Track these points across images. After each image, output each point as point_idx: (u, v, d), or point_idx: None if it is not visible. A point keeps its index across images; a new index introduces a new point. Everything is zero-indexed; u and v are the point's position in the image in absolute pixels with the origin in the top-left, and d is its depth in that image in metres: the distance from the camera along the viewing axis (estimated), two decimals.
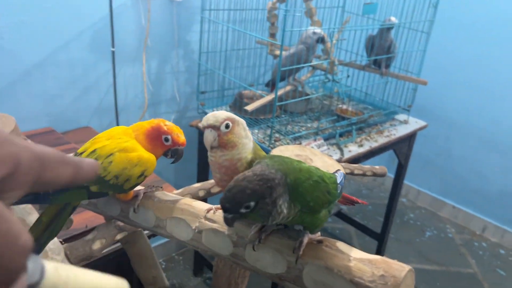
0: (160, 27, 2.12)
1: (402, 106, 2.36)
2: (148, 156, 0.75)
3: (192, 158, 2.44)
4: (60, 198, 0.72)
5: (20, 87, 1.81)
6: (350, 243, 2.88)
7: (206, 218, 0.69)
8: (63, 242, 0.99)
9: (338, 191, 0.70)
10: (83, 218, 1.42)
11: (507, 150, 2.86)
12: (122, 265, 1.69)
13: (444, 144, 3.16)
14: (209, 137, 0.70)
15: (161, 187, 0.86)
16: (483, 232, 3.09)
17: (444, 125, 3.09)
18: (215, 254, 0.68)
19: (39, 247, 0.74)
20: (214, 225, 0.68)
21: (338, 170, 0.75)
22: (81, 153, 0.76)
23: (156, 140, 0.78)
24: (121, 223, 1.05)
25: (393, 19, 2.07)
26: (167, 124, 0.80)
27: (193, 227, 0.69)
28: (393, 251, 2.85)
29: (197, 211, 0.71)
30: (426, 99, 2.97)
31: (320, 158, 1.23)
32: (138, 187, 0.82)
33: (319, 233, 0.66)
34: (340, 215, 2.94)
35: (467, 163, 3.08)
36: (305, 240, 0.63)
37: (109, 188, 0.74)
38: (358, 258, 0.57)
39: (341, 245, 0.60)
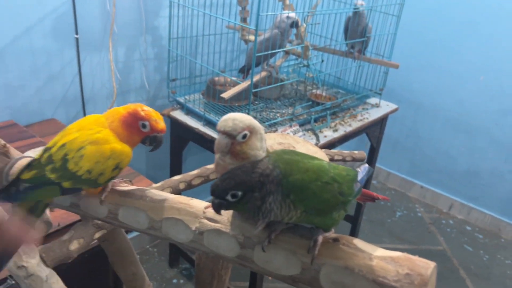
0: (127, 13, 2.02)
1: (374, 89, 2.37)
2: (122, 148, 0.70)
3: (165, 148, 2.38)
4: (32, 196, 0.69)
5: None
6: None
7: (206, 218, 0.65)
8: (37, 244, 0.93)
9: (356, 190, 0.67)
10: (55, 215, 1.35)
11: (472, 130, 2.95)
12: (98, 263, 1.64)
13: (413, 126, 3.23)
14: (222, 144, 0.65)
15: (131, 181, 0.81)
16: (450, 210, 3.20)
17: (413, 107, 3.16)
18: (219, 256, 0.64)
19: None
20: (217, 225, 0.64)
21: (364, 164, 0.73)
22: (50, 148, 0.71)
23: (133, 126, 0.72)
24: (99, 221, 1.00)
25: (360, 2, 2.06)
26: (145, 109, 0.73)
27: (193, 228, 0.64)
28: (366, 232, 2.90)
29: (196, 211, 0.66)
30: (396, 82, 3.01)
31: (303, 145, 1.21)
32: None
33: (333, 230, 0.64)
34: None
35: (435, 144, 3.16)
36: (320, 238, 0.60)
37: (83, 183, 0.70)
38: (379, 256, 0.55)
39: (359, 242, 0.58)
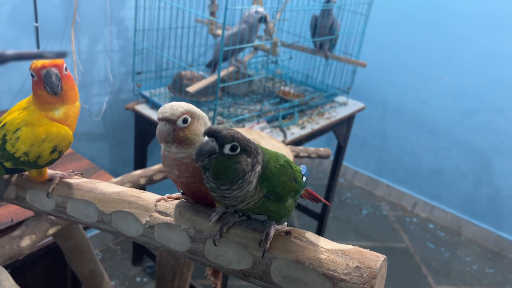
0: (90, 2, 1.95)
1: (341, 88, 2.39)
2: (58, 130, 0.67)
3: (129, 142, 2.32)
4: None
5: None
6: (291, 223, 2.92)
7: (157, 211, 0.62)
8: None
9: (304, 181, 0.68)
10: (8, 211, 1.28)
11: (435, 129, 3.02)
12: (54, 260, 1.57)
13: (380, 125, 3.28)
14: (163, 131, 0.62)
15: (82, 174, 0.78)
16: (414, 208, 3.28)
17: (380, 106, 3.21)
18: (169, 251, 0.61)
19: None
20: (168, 219, 0.61)
21: (301, 164, 0.73)
22: None
23: (33, 86, 0.68)
24: (52, 216, 0.95)
25: None
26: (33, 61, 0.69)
27: (143, 222, 0.61)
28: (332, 230, 2.93)
29: (146, 204, 0.63)
30: (363, 81, 3.05)
31: (268, 141, 1.19)
32: (55, 171, 0.73)
33: (285, 223, 0.63)
34: None
35: (400, 143, 3.22)
36: (272, 231, 0.59)
37: (23, 165, 0.67)
38: (331, 249, 0.54)
39: (311, 236, 0.57)
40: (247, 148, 0.57)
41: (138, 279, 2.33)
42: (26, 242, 0.89)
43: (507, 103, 2.71)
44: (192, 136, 0.63)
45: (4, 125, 0.66)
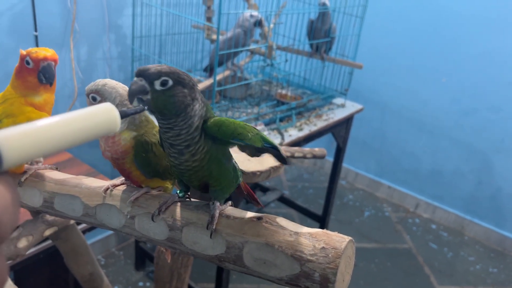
0: (89, 10, 1.99)
1: (339, 90, 2.41)
2: (38, 116, 0.70)
3: None
4: None
5: None
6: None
7: (137, 205, 0.64)
8: None
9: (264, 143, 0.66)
10: None
11: (434, 130, 3.03)
12: (57, 265, 1.59)
13: (379, 127, 3.29)
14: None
15: (57, 168, 0.79)
16: (416, 209, 3.27)
17: (379, 108, 3.22)
18: (150, 240, 0.63)
19: None
20: (148, 209, 0.63)
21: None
22: None
23: (22, 71, 0.70)
24: (49, 217, 0.97)
25: (326, 0, 2.09)
26: (28, 50, 0.73)
27: (125, 213, 0.64)
28: (334, 232, 2.93)
29: (127, 196, 0.65)
30: (361, 83, 3.06)
31: None
32: (30, 165, 0.75)
33: (229, 202, 0.65)
34: (282, 199, 2.98)
35: (401, 144, 3.23)
36: (217, 212, 0.61)
37: None
38: (299, 232, 0.56)
39: (281, 220, 0.59)
40: (179, 79, 0.57)
41: (141, 283, 2.35)
42: (23, 243, 0.91)
43: (505, 102, 2.71)
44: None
45: None
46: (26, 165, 0.72)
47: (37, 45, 1.86)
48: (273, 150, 0.61)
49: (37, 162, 0.75)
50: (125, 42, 2.18)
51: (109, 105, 0.32)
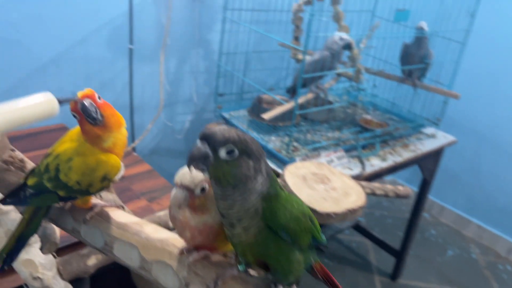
0: (181, 26, 2.05)
1: (430, 119, 2.22)
2: (107, 159, 0.68)
3: None
4: (35, 201, 0.71)
5: (35, 82, 1.77)
6: (366, 258, 2.76)
7: (194, 272, 0.59)
8: (56, 256, 0.93)
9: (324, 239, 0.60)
10: None
11: None
12: (123, 278, 1.63)
13: (473, 160, 3.00)
14: (179, 197, 0.59)
15: (123, 206, 0.79)
16: (509, 254, 2.92)
17: (474, 139, 2.93)
18: None
19: (23, 240, 0.74)
20: (204, 279, 0.58)
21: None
22: (48, 155, 0.71)
23: (80, 125, 0.68)
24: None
25: (424, 24, 1.94)
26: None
27: (180, 277, 0.60)
28: (412, 269, 2.71)
29: (185, 258, 0.61)
30: (456, 111, 2.81)
31: (339, 178, 1.13)
32: (98, 200, 0.75)
33: (295, 286, 0.56)
34: (357, 227, 2.83)
35: (496, 180, 2.91)
36: None
37: (76, 193, 0.70)
38: None
39: None
40: (247, 150, 0.50)
41: None
42: (92, 261, 0.93)
43: None
44: (209, 204, 0.60)
45: (57, 156, 0.69)
46: (93, 201, 0.73)
47: (131, 58, 1.95)
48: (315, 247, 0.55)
49: (102, 198, 0.76)
50: (212, 58, 2.21)
51: (48, 94, 0.35)
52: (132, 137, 2.09)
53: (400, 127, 2.16)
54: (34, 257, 0.94)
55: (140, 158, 1.85)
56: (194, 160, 0.50)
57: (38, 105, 0.36)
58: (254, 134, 1.92)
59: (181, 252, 0.62)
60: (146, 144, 2.19)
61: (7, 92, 1.71)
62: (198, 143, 0.51)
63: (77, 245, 1.18)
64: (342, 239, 2.91)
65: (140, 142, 2.10)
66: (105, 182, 0.69)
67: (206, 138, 0.50)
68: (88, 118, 0.65)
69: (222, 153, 0.49)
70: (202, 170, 0.50)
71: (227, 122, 2.07)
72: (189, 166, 0.50)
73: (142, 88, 2.06)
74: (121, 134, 0.70)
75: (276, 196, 0.54)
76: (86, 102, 0.65)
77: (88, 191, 0.69)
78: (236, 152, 0.49)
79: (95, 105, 0.66)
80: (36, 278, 0.93)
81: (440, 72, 2.13)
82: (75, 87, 1.87)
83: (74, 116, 0.66)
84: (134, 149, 2.08)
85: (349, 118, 2.16)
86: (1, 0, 1.57)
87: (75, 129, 0.71)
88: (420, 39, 1.94)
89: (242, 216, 0.51)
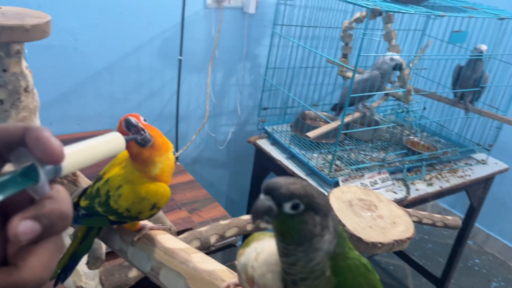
0: (230, 39, 2.07)
1: (482, 144, 2.12)
2: (156, 188, 0.67)
3: (247, 172, 2.37)
4: (88, 222, 0.72)
5: (88, 88, 1.83)
6: (404, 283, 2.66)
7: None
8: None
9: None
10: None
11: None
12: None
13: None
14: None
15: (170, 229, 0.79)
16: None
17: None
18: None
19: (77, 258, 0.74)
20: None
21: None
22: (100, 178, 0.71)
23: (130, 152, 0.66)
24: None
25: (483, 47, 1.86)
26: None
27: None
28: None
29: None
30: (508, 137, 2.68)
31: (387, 205, 1.09)
32: (146, 222, 0.75)
33: None
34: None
35: None
36: None
37: (126, 219, 0.70)
38: None
39: None
40: (313, 205, 0.47)
41: None
42: (133, 273, 0.94)
43: None
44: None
45: (107, 180, 0.69)
46: (141, 223, 0.73)
47: (179, 68, 1.99)
48: None
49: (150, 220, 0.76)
50: (259, 71, 2.22)
51: (117, 134, 0.40)
52: (176, 146, 2.12)
53: (449, 151, 2.08)
54: (79, 266, 0.97)
55: (183, 168, 1.87)
56: (258, 215, 0.48)
57: (107, 143, 0.38)
58: (295, 150, 1.90)
59: (227, 287, 0.61)
60: (189, 153, 2.22)
61: (63, 96, 1.79)
62: (262, 196, 0.48)
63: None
64: (378, 261, 2.82)
65: (183, 151, 2.13)
66: (155, 210, 0.69)
67: (270, 192, 0.48)
68: (137, 139, 0.63)
69: (287, 207, 0.47)
70: (267, 222, 0.48)
71: (269, 136, 2.06)
72: (253, 221, 0.48)
73: (188, 98, 2.10)
74: (169, 159, 0.69)
75: (344, 258, 0.51)
76: (131, 120, 0.63)
77: (137, 218, 0.70)
78: (302, 206, 0.47)
79: (140, 124, 0.64)
80: (80, 287, 0.95)
81: (495, 97, 2.04)
82: (126, 94, 1.92)
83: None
84: (177, 159, 2.11)
85: (395, 139, 2.11)
86: (62, 10, 1.64)
87: (126, 154, 0.69)
88: (475, 62, 1.87)
89: (306, 276, 0.49)
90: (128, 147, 0.65)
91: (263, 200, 0.47)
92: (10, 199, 0.28)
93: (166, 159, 0.68)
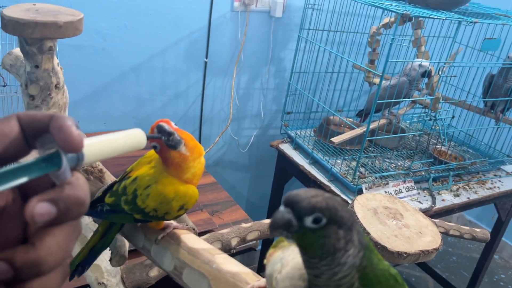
0: (256, 42, 2.07)
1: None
2: (185, 190, 0.67)
3: (268, 176, 2.36)
4: (111, 218, 0.72)
5: (115, 88, 1.86)
6: None
7: None
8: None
9: None
10: None
11: None
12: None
13: None
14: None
15: (194, 229, 0.78)
16: None
17: None
18: None
19: (96, 252, 0.75)
20: None
21: None
22: (127, 175, 0.71)
23: (162, 156, 0.66)
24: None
25: None
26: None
27: None
28: None
29: None
30: None
31: (413, 215, 1.06)
32: (171, 221, 0.74)
33: None
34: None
35: None
36: None
37: (151, 218, 0.70)
38: None
39: None
40: (336, 218, 0.45)
41: None
42: (154, 272, 0.94)
43: None
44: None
45: (135, 179, 0.69)
46: (166, 222, 0.73)
47: (205, 71, 2.00)
48: None
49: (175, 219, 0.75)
50: (283, 76, 2.21)
51: (139, 130, 0.41)
52: None
53: (477, 162, 2.02)
54: (101, 263, 0.97)
55: (205, 169, 1.87)
56: (275, 227, 0.46)
57: (129, 137, 0.39)
58: (318, 156, 1.88)
59: None
60: (211, 155, 2.23)
61: (90, 95, 1.82)
62: (282, 207, 0.46)
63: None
64: (400, 272, 2.76)
65: (205, 153, 2.13)
66: (182, 211, 0.69)
67: (291, 204, 0.46)
68: (169, 143, 0.62)
69: (308, 221, 0.45)
70: (286, 237, 0.47)
71: (292, 140, 2.04)
72: (271, 233, 0.47)
73: (213, 101, 2.10)
74: (201, 163, 0.69)
75: (373, 269, 0.48)
76: (163, 126, 0.62)
77: (164, 218, 0.69)
78: (324, 220, 0.45)
79: (171, 128, 0.63)
80: (101, 284, 0.96)
81: None
82: (151, 95, 1.94)
83: (155, 147, 0.64)
84: None
85: (421, 148, 2.06)
86: (92, 11, 1.68)
87: (154, 153, 0.68)
88: (508, 70, 1.81)
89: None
90: (160, 153, 0.65)
91: (283, 212, 0.45)
92: (33, 182, 0.29)
93: (198, 163, 0.68)
